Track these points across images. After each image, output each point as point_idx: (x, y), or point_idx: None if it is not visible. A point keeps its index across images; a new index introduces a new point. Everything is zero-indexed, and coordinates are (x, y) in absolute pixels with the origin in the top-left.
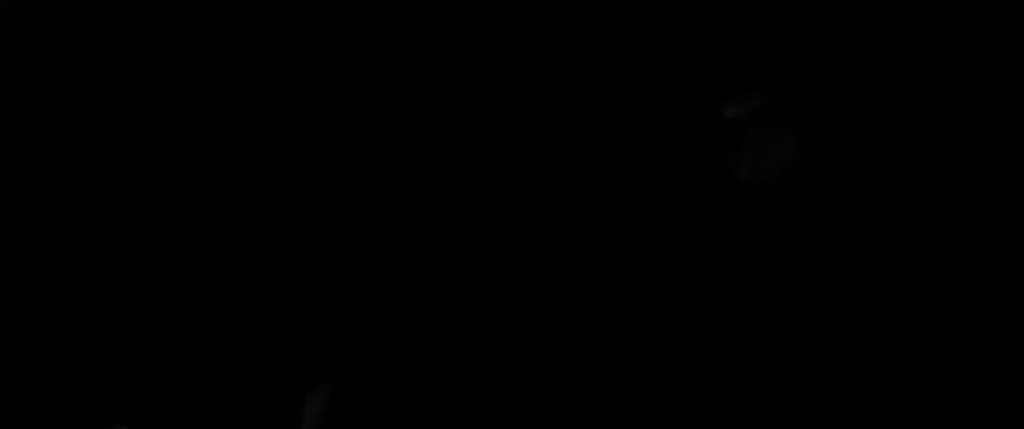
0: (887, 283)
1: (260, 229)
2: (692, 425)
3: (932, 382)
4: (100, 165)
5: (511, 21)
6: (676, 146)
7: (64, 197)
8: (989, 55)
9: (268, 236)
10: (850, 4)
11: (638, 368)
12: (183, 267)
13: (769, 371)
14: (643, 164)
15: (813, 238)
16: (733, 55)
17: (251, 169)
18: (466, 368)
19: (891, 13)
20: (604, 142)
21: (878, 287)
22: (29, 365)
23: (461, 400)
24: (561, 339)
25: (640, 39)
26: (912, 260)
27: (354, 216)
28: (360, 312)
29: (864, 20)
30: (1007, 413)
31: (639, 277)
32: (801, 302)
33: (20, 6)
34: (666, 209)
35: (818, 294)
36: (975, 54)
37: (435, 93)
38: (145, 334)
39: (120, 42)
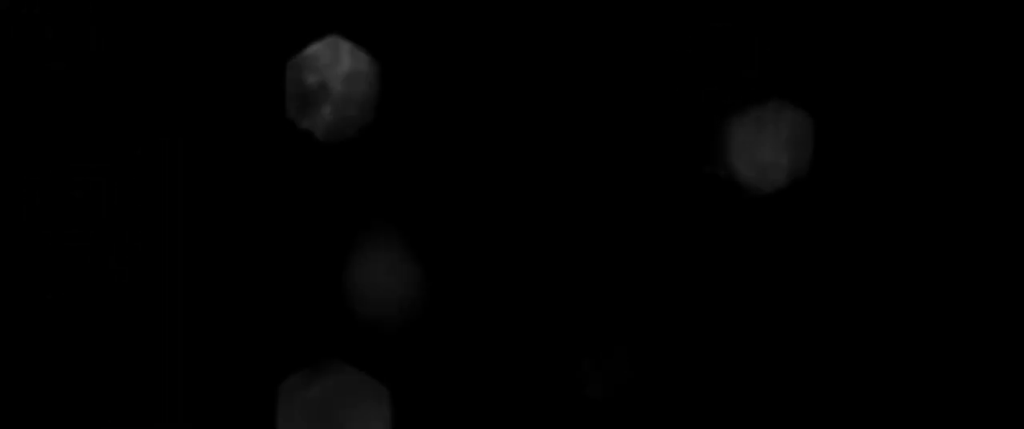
0: (893, 295)
1: (260, 229)
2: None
3: (952, 390)
4: (100, 165)
5: (509, 20)
6: (676, 149)
7: (64, 197)
8: (994, 56)
9: (268, 236)
10: (852, 3)
11: (637, 381)
12: (183, 267)
13: (777, 386)
14: (642, 167)
15: (818, 247)
16: (733, 55)
17: (251, 169)
18: (463, 369)
19: (895, 11)
20: (601, 143)
21: (884, 299)
22: (29, 365)
23: (456, 400)
24: (559, 343)
25: (640, 39)
26: (922, 272)
27: (353, 215)
28: (359, 311)
29: (868, 19)
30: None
31: (636, 285)
32: (802, 311)
33: (20, 6)
34: (666, 214)
35: (820, 302)
36: (982, 55)
37: (434, 92)
38: (145, 334)
39: (120, 42)
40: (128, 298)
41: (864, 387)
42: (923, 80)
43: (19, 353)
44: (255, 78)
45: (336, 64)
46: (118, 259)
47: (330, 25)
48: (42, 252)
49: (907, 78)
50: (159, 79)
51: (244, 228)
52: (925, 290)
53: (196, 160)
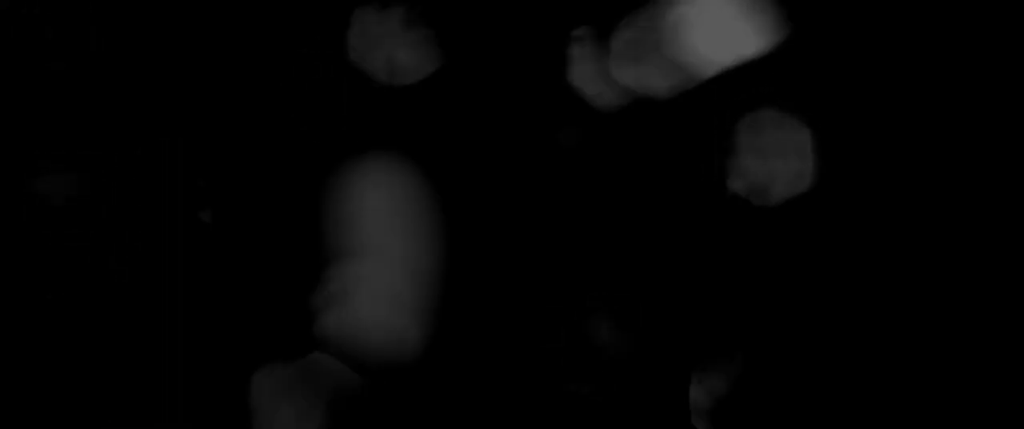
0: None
1: (260, 229)
2: None
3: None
4: (100, 165)
5: (511, 22)
6: (680, 158)
7: (64, 197)
8: (1002, 62)
9: (268, 236)
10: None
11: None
12: (183, 267)
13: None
14: (645, 176)
15: (829, 263)
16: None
17: (251, 169)
18: (465, 379)
19: (907, 13)
20: (600, 148)
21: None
22: (29, 365)
23: (459, 407)
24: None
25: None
26: (927, 282)
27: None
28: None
29: (882, 23)
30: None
31: (634, 302)
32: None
33: (20, 6)
34: (668, 225)
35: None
36: (991, 61)
37: (434, 93)
38: (145, 334)
39: (120, 42)
40: (128, 298)
41: (865, 392)
42: (932, 87)
43: (19, 353)
44: (255, 78)
45: None
46: (118, 259)
47: (330, 24)
48: (42, 252)
49: (916, 85)
50: (159, 79)
51: (244, 228)
52: (929, 300)
53: (196, 160)
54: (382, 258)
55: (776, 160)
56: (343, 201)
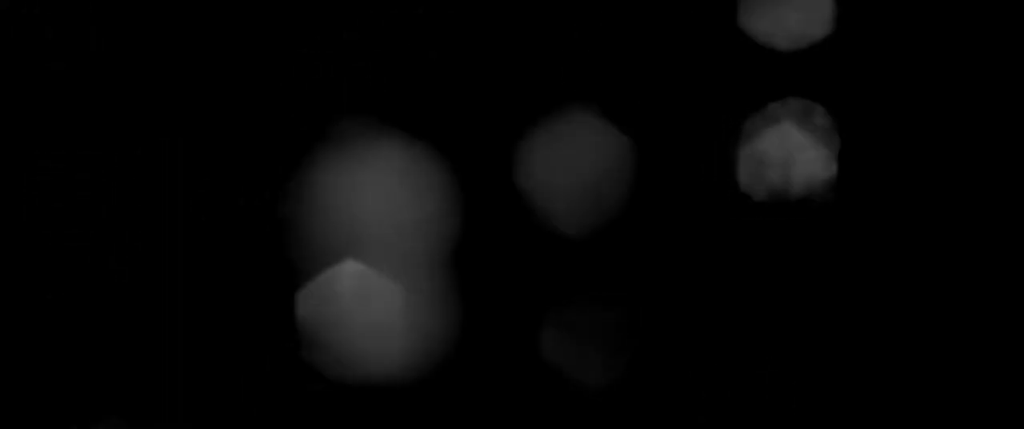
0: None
1: (261, 229)
2: None
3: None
4: (100, 165)
5: (517, 19)
6: (689, 157)
7: (64, 197)
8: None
9: (269, 236)
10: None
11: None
12: (183, 267)
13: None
14: (656, 175)
15: (847, 265)
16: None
17: (251, 169)
18: (471, 376)
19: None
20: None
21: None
22: (29, 365)
23: (461, 404)
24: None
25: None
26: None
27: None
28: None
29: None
30: None
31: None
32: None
33: (20, 6)
34: (678, 225)
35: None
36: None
37: (436, 92)
38: (145, 334)
39: (120, 42)
40: (128, 298)
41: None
42: (952, 84)
43: (19, 353)
44: (255, 78)
45: None
46: (118, 259)
47: (331, 24)
48: (42, 252)
49: (937, 82)
50: (159, 79)
51: (244, 228)
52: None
53: (196, 160)
54: (375, 256)
55: (792, 158)
56: (340, 199)
